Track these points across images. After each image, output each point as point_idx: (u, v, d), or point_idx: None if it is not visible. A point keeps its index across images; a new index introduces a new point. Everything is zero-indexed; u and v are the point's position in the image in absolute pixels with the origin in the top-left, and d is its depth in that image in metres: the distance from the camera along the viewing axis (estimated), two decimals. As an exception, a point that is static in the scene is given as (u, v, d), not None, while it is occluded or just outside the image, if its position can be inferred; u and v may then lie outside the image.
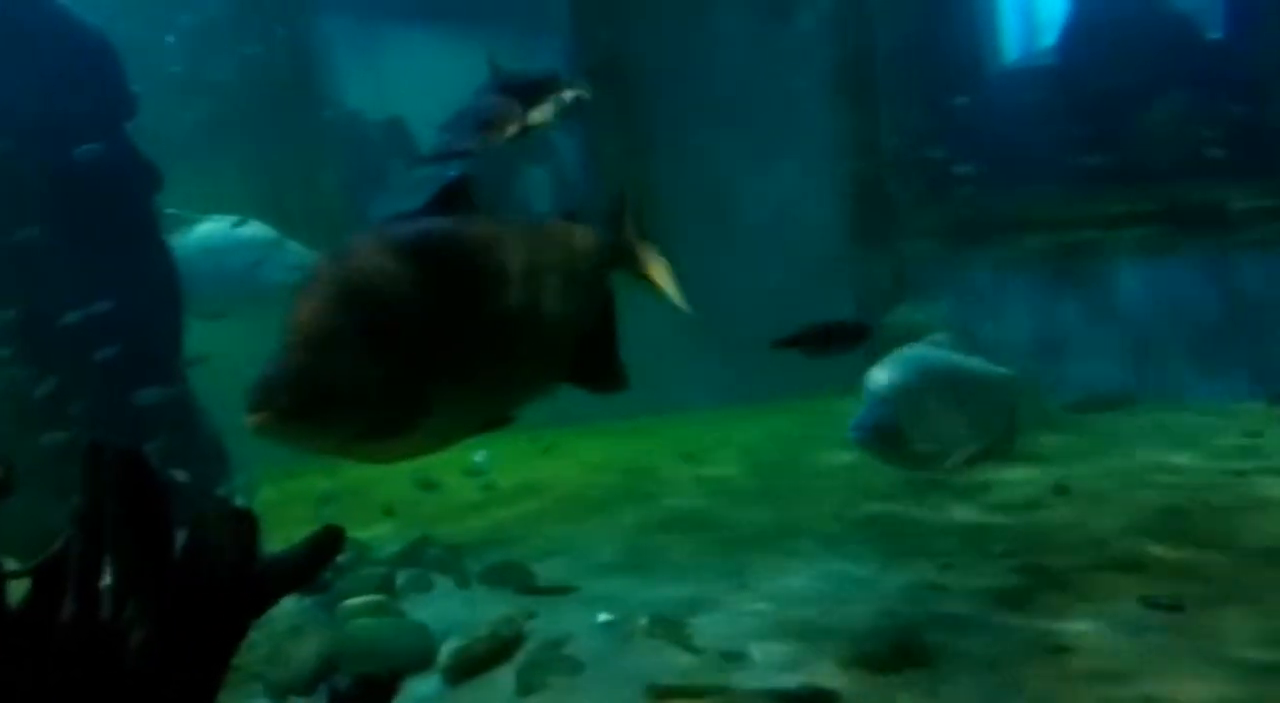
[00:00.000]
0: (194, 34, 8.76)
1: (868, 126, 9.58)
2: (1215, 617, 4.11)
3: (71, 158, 5.86)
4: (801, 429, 8.04)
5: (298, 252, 7.78)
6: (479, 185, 2.52)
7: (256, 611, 1.76)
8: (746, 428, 8.47)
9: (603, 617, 4.59)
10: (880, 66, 9.54)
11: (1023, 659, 3.89)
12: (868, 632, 4.21)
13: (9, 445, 5.62)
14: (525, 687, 4.01)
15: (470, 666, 4.18)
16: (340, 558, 4.57)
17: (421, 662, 4.27)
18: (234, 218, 7.77)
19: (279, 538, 1.99)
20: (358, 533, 5.90)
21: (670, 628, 4.38)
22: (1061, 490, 5.99)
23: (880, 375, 4.54)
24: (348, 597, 4.87)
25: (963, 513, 5.74)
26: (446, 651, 4.29)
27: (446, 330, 2.33)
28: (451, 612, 4.80)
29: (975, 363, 4.84)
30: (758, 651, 4.14)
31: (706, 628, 4.39)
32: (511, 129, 4.49)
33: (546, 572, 5.28)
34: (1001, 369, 4.88)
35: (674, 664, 4.08)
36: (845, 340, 4.22)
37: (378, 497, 6.81)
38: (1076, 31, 9.74)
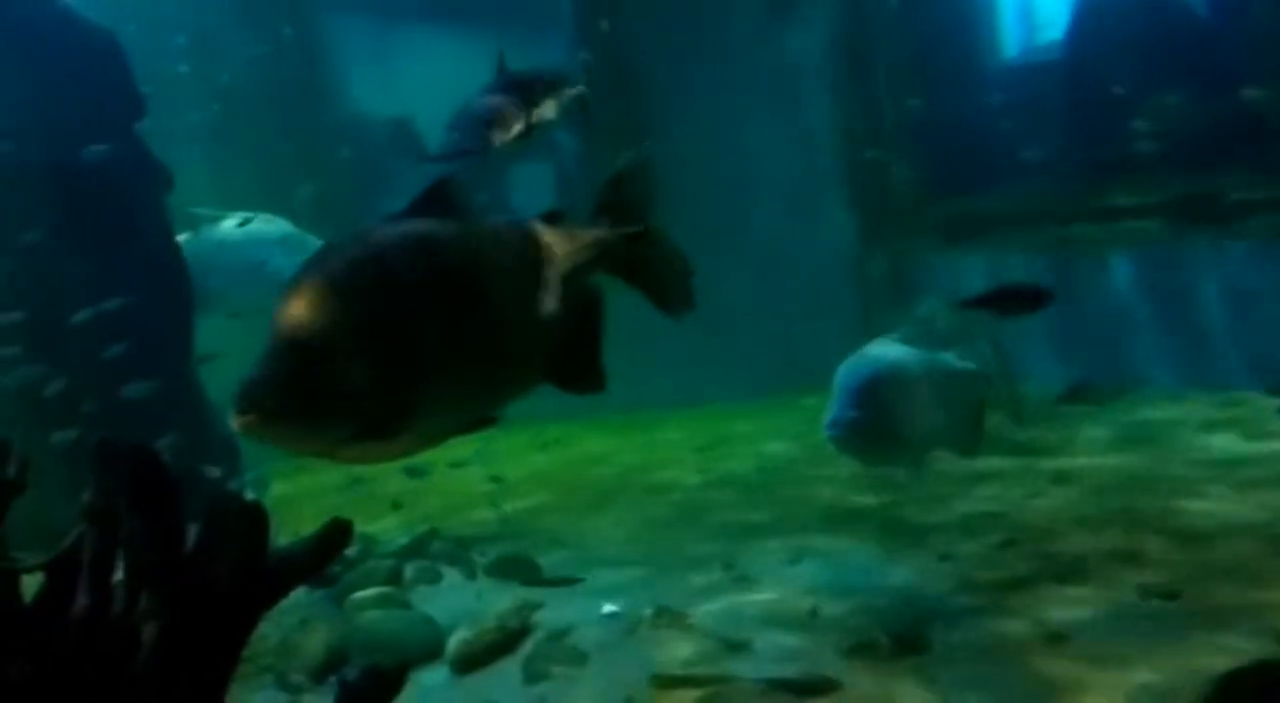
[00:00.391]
0: (202, 35, 8.82)
1: (870, 119, 9.60)
2: (1210, 605, 4.15)
3: (82, 159, 5.92)
4: (806, 424, 8.06)
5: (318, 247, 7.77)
6: (464, 186, 2.51)
7: (266, 604, 1.78)
8: (751, 422, 8.52)
9: (608, 608, 4.65)
10: (880, 67, 9.55)
11: (1021, 648, 3.94)
12: (868, 622, 4.26)
13: (21, 443, 5.68)
14: (531, 677, 4.08)
15: (477, 656, 4.26)
16: (349, 551, 4.64)
17: (429, 653, 4.34)
18: (256, 214, 7.80)
19: (290, 533, 2.04)
20: (366, 526, 5.97)
21: (674, 619, 4.44)
22: (1058, 481, 6.03)
23: (848, 372, 4.52)
24: (356, 589, 4.95)
25: (962, 505, 5.79)
26: (454, 642, 4.36)
27: (431, 331, 2.33)
28: (459, 603, 4.87)
29: (945, 359, 4.84)
30: (760, 640, 4.20)
31: (710, 618, 4.45)
32: (517, 127, 4.52)
33: (552, 564, 5.35)
34: (970, 365, 4.88)
35: (678, 654, 4.14)
36: (1029, 303, 4.38)
37: (385, 490, 6.86)
38: (1083, 27, 9.73)
